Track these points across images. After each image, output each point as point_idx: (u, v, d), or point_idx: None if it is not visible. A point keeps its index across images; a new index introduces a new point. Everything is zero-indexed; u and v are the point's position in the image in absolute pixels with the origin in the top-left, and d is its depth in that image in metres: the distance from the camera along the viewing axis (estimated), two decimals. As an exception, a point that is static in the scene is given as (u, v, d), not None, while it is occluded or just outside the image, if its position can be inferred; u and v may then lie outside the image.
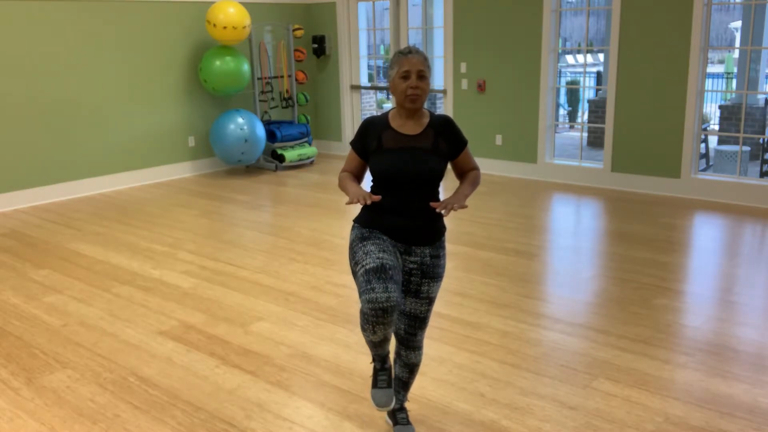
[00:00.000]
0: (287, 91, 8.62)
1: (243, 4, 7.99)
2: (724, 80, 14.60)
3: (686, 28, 6.27)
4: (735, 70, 11.47)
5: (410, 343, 2.61)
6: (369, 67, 12.33)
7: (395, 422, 2.75)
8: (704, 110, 8.14)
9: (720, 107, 9.60)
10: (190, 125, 8.02)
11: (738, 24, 15.91)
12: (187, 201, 6.83)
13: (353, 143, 2.52)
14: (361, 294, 2.25)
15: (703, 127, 9.29)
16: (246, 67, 7.79)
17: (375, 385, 2.48)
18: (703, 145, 8.85)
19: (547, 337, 3.61)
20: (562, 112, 13.47)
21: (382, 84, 10.10)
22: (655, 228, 5.56)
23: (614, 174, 6.99)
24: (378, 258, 2.31)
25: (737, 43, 15.36)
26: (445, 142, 2.47)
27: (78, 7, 6.90)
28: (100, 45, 7.11)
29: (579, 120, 12.60)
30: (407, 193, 2.41)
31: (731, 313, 3.88)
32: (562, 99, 13.79)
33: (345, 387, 3.13)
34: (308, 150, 8.48)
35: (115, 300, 4.26)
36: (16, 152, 6.64)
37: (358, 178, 2.55)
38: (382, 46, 14.30)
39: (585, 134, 10.33)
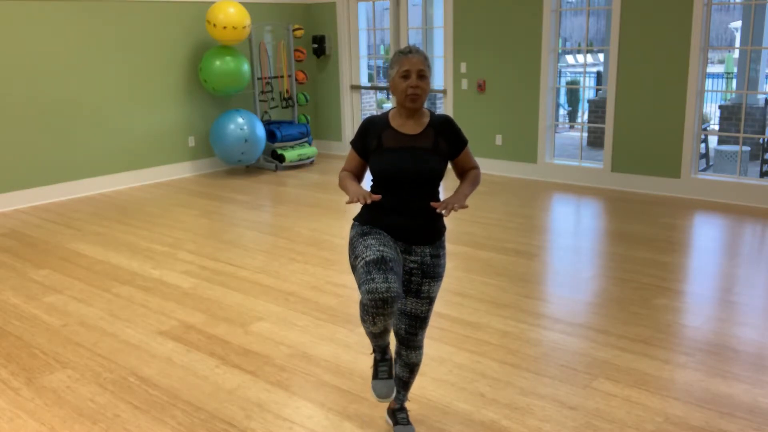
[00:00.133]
0: (287, 91, 8.62)
1: (243, 4, 7.99)
2: (724, 80, 14.60)
3: (686, 28, 6.27)
4: (735, 70, 11.47)
5: (411, 343, 2.61)
6: (369, 67, 12.33)
7: (395, 422, 2.74)
8: (704, 110, 8.14)
9: (720, 107, 9.60)
10: (190, 125, 8.02)
11: (738, 24, 15.91)
12: (187, 201, 6.83)
13: (353, 142, 2.52)
14: (360, 285, 2.24)
15: (703, 127, 9.29)
16: (246, 67, 7.79)
17: (376, 376, 2.46)
18: (703, 145, 8.85)
19: (547, 337, 3.61)
20: (562, 112, 13.47)
21: (382, 84, 10.10)
22: (655, 228, 5.56)
23: (614, 174, 6.99)
24: (378, 251, 2.30)
25: (737, 43, 15.36)
26: (446, 142, 2.47)
27: (78, 7, 6.90)
28: (100, 45, 7.11)
29: (579, 120, 12.61)
30: (407, 192, 2.41)
31: (731, 313, 3.88)
32: (562, 99, 13.79)
33: (345, 387, 3.13)
34: (308, 150, 8.48)
35: (115, 300, 4.26)
36: (16, 152, 6.64)
37: (359, 177, 2.55)
38: (382, 46, 14.30)
39: (585, 134, 10.33)
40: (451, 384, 3.13)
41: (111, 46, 7.20)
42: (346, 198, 2.41)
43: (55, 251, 5.26)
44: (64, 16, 6.82)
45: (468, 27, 7.69)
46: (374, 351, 2.46)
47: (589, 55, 19.45)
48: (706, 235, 5.51)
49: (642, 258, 4.82)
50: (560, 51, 10.53)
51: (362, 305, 2.25)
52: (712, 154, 9.02)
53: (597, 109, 9.89)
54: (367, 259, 2.28)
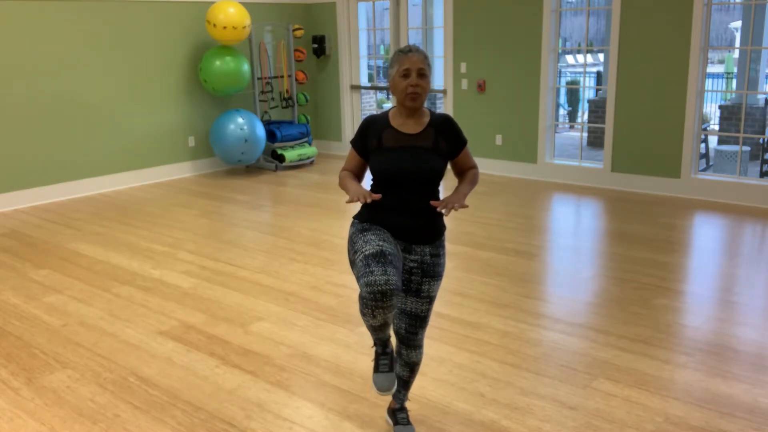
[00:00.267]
0: (287, 91, 8.62)
1: (243, 4, 7.99)
2: (724, 80, 14.60)
3: (686, 28, 6.27)
4: (735, 70, 11.47)
5: (411, 342, 2.61)
6: (369, 67, 12.33)
7: (395, 422, 2.74)
8: (704, 110, 8.14)
9: (720, 107, 9.60)
10: (190, 125, 8.02)
11: (738, 24, 15.91)
12: (187, 201, 6.83)
13: (353, 142, 2.52)
14: (359, 278, 2.23)
15: (703, 127, 9.29)
16: (246, 67, 7.79)
17: (377, 369, 2.45)
18: (703, 145, 8.85)
19: (547, 337, 3.61)
20: (562, 112, 13.47)
21: (382, 84, 10.11)
22: (655, 228, 5.56)
23: (614, 174, 6.99)
24: (378, 245, 2.30)
25: (737, 43, 15.36)
26: (446, 141, 2.47)
27: (78, 7, 6.90)
28: (100, 45, 7.11)
29: (579, 120, 12.61)
30: (408, 192, 2.41)
31: (731, 313, 3.88)
32: (562, 99, 13.79)
33: (345, 387, 3.13)
34: (308, 150, 8.48)
35: (115, 300, 4.26)
36: (16, 152, 6.64)
37: (359, 177, 2.55)
38: (382, 46, 14.30)
39: (585, 134, 10.33)
40: (451, 384, 3.13)
41: (111, 46, 7.20)
42: (347, 197, 2.41)
43: (55, 251, 5.26)
44: (64, 16, 6.82)
45: (468, 27, 7.69)
46: (375, 344, 2.45)
47: (589, 55, 19.45)
48: (706, 235, 5.51)
49: (642, 258, 4.82)
50: (560, 51, 10.53)
51: (361, 298, 2.24)
52: (712, 154, 9.02)
53: (597, 109, 9.89)
54: (366, 252, 2.27)
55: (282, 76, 8.60)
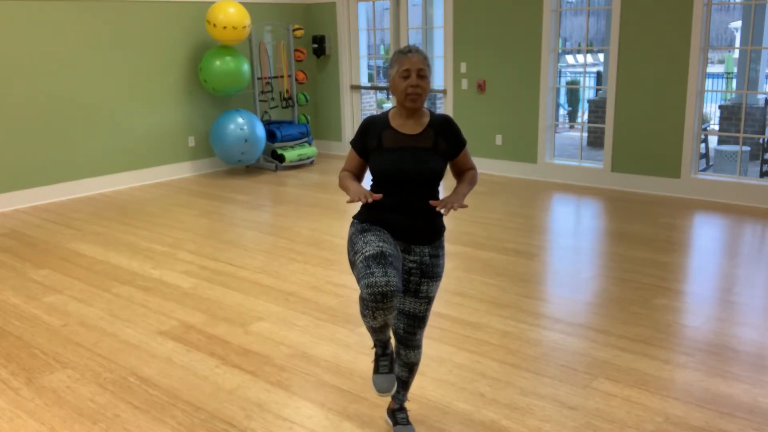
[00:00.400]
0: (287, 91, 8.62)
1: (243, 4, 7.99)
2: (724, 80, 14.60)
3: (686, 28, 6.27)
4: (735, 70, 11.47)
5: (409, 343, 2.61)
6: (369, 67, 12.33)
7: (395, 422, 2.74)
8: (704, 110, 8.14)
9: (720, 107, 9.61)
10: (190, 125, 8.02)
11: (738, 24, 15.91)
12: (187, 201, 6.83)
13: (353, 142, 2.52)
14: (360, 279, 2.23)
15: (703, 127, 9.29)
16: (246, 67, 7.79)
17: (376, 370, 2.46)
18: (703, 145, 8.85)
19: (547, 337, 3.61)
20: (562, 112, 13.48)
21: (382, 84, 10.10)
22: (655, 228, 5.56)
23: (614, 174, 6.99)
24: (378, 246, 2.30)
25: (737, 43, 15.36)
26: (445, 142, 2.47)
27: (78, 7, 6.90)
28: (100, 45, 7.11)
29: (579, 120, 12.61)
30: (407, 192, 2.41)
31: (731, 313, 3.88)
32: (562, 99, 13.79)
33: (345, 387, 3.13)
34: (308, 150, 8.48)
35: (115, 300, 4.26)
36: (16, 152, 6.64)
37: (359, 177, 2.55)
38: (382, 46, 14.30)
39: (585, 134, 10.33)
40: (451, 384, 3.13)
41: (111, 46, 7.20)
42: (347, 197, 2.41)
43: (55, 251, 5.26)
44: (64, 16, 6.82)
45: (468, 27, 7.69)
46: (375, 345, 2.46)
47: (589, 55, 19.45)
48: (706, 235, 5.51)
49: (642, 258, 4.82)
50: (560, 51, 10.53)
51: (362, 300, 2.24)
52: (712, 154, 9.02)
53: (597, 109, 9.89)
54: (367, 254, 2.28)
55: (282, 76, 8.60)
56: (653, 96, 6.58)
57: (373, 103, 10.51)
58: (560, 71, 13.74)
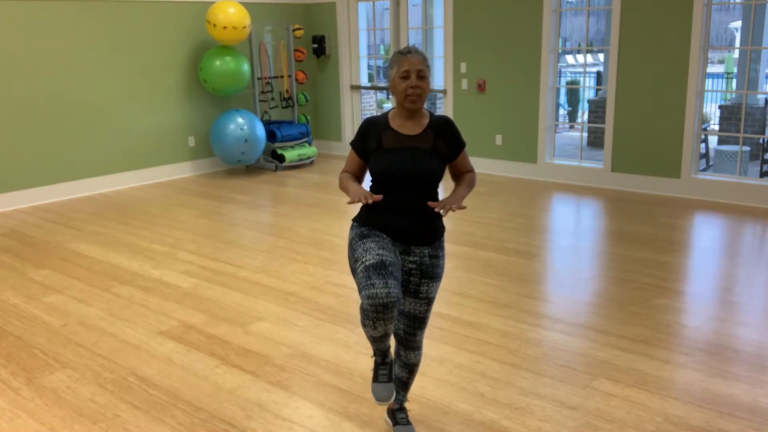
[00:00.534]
0: (287, 91, 8.62)
1: (243, 4, 7.99)
2: (724, 80, 14.60)
3: (686, 28, 6.27)
4: (735, 70, 11.47)
5: (409, 343, 2.61)
6: (369, 67, 12.33)
7: (395, 422, 2.75)
8: (704, 110, 8.14)
9: (720, 107, 9.61)
10: (190, 125, 8.02)
11: (738, 24, 15.91)
12: (187, 201, 6.83)
13: (353, 143, 2.52)
14: (361, 290, 2.26)
15: (703, 127, 9.30)
16: (246, 67, 7.79)
17: (375, 379, 2.48)
18: (703, 145, 8.85)
19: (547, 337, 3.61)
20: (562, 112, 13.48)
21: (382, 84, 10.10)
22: (655, 228, 5.56)
23: (614, 174, 6.99)
24: (378, 254, 2.31)
25: (737, 43, 15.36)
26: (445, 143, 2.47)
27: (78, 7, 6.90)
28: (100, 45, 7.12)
29: (579, 120, 12.61)
30: (407, 193, 2.41)
31: (731, 313, 3.88)
32: (562, 99, 13.79)
33: (345, 387, 3.13)
34: (308, 150, 8.48)
35: (115, 300, 4.26)
36: (16, 152, 6.64)
37: (359, 178, 2.55)
38: (382, 46, 14.30)
39: (585, 134, 10.33)
40: (451, 384, 3.13)
41: (111, 46, 7.20)
42: (347, 198, 2.41)
43: (55, 251, 5.26)
44: (64, 16, 6.82)
45: (468, 27, 7.69)
46: (375, 354, 2.47)
47: (589, 55, 19.45)
48: (706, 235, 5.51)
49: (642, 258, 4.82)
50: (560, 51, 10.53)
51: (363, 310, 2.26)
52: (712, 154, 9.02)
53: (597, 109, 9.89)
54: (367, 263, 2.29)
55: (282, 76, 8.60)
56: (653, 96, 6.58)
57: (373, 103, 10.51)
58: (560, 71, 13.74)
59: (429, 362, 3.31)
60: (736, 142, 8.90)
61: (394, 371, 2.70)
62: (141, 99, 7.53)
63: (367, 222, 2.47)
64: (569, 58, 21.79)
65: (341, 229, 5.62)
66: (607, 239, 5.38)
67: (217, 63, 7.58)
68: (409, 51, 2.39)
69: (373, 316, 2.23)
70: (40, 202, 6.85)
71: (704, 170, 8.57)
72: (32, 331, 3.82)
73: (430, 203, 2.34)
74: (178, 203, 6.73)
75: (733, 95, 10.30)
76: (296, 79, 8.68)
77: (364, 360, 3.36)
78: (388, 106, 11.98)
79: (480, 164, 7.78)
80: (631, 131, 6.79)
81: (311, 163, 8.64)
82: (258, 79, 8.38)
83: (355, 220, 2.53)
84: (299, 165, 8.48)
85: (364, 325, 2.31)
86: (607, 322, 3.78)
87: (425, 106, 2.54)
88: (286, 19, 8.78)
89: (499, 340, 3.57)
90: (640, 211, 6.07)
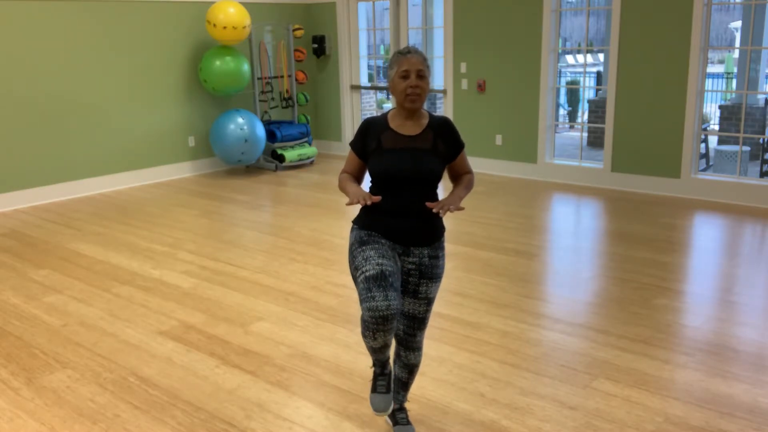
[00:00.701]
0: (287, 91, 8.62)
1: (243, 4, 7.99)
2: (724, 80, 14.60)
3: (686, 28, 6.27)
4: (735, 70, 11.47)
5: (410, 344, 2.61)
6: (369, 67, 12.33)
7: (395, 422, 2.75)
8: (704, 110, 8.14)
9: (720, 107, 9.61)
10: (190, 125, 8.02)
11: (738, 24, 15.91)
12: (187, 201, 6.83)
13: (353, 144, 2.52)
14: (361, 302, 2.28)
15: (703, 127, 9.29)
16: (246, 67, 7.79)
17: (374, 389, 2.51)
18: (703, 145, 8.85)
19: (547, 337, 3.61)
20: (562, 112, 13.48)
21: (382, 84, 10.10)
22: (655, 228, 5.56)
23: (614, 174, 6.99)
24: (378, 264, 2.32)
25: (737, 43, 15.36)
26: (444, 144, 2.47)
27: (78, 7, 6.90)
28: (100, 45, 7.12)
29: (579, 120, 12.61)
30: (406, 193, 2.41)
31: (731, 313, 3.88)
32: (562, 99, 13.79)
33: (345, 387, 3.13)
34: (308, 150, 8.48)
35: (115, 300, 4.26)
36: (16, 152, 6.64)
37: (358, 179, 2.55)
38: (382, 46, 14.30)
39: (585, 134, 10.33)
40: (451, 384, 3.13)
41: (111, 46, 7.20)
42: (347, 199, 2.42)
43: (55, 251, 5.26)
44: (64, 16, 6.82)
45: (468, 27, 7.69)
46: (374, 365, 2.50)
47: (589, 55, 19.45)
48: (706, 235, 5.51)
49: (642, 258, 4.82)
50: (560, 51, 10.53)
51: (363, 321, 2.29)
52: (712, 154, 9.02)
53: (597, 109, 9.89)
54: (367, 274, 2.31)
55: (282, 76, 8.60)
56: (653, 96, 6.58)
57: (373, 103, 10.51)
58: (560, 71, 13.74)
59: (429, 362, 3.31)
60: (736, 142, 8.90)
61: (395, 371, 2.70)
62: (141, 99, 7.53)
63: (366, 223, 2.46)
64: (569, 58, 21.79)
65: (341, 229, 5.62)
66: (607, 239, 5.38)
67: (217, 63, 7.58)
68: (408, 51, 2.40)
69: (374, 327, 2.26)
70: (40, 202, 6.85)
71: (704, 170, 8.57)
72: (32, 331, 3.82)
73: (427, 204, 2.34)
74: (178, 203, 6.73)
75: (733, 95, 10.29)
76: (296, 79, 8.68)
77: (364, 360, 3.36)
78: (388, 106, 11.99)
79: (480, 164, 7.78)
80: (631, 131, 6.79)
81: (311, 163, 8.64)
82: (258, 79, 8.38)
83: (354, 221, 2.53)
84: (299, 165, 8.48)
85: (364, 336, 2.33)
86: (607, 322, 3.78)
87: (425, 106, 2.54)
88: (286, 19, 8.78)
89: (499, 340, 3.57)
90: (640, 211, 6.07)
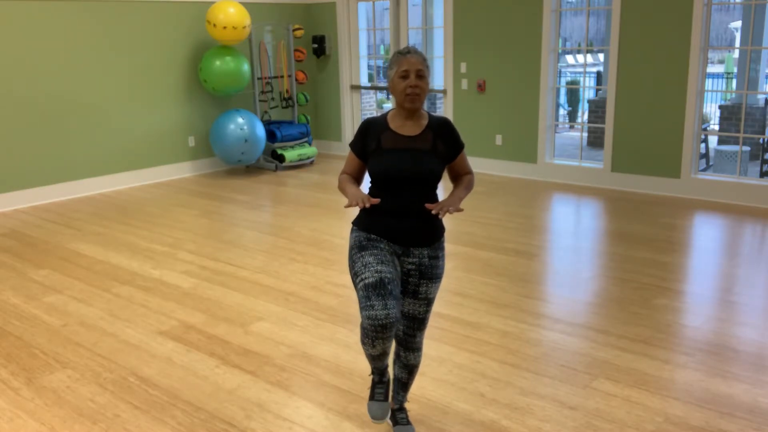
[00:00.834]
0: (287, 91, 8.62)
1: (243, 4, 7.99)
2: (724, 80, 14.60)
3: (686, 28, 6.27)
4: (735, 70, 11.47)
5: (409, 345, 2.61)
6: (369, 67, 12.33)
7: (395, 422, 2.75)
8: (704, 110, 8.14)
9: (720, 107, 9.61)
10: (190, 125, 8.02)
11: (738, 24, 15.91)
12: (187, 201, 6.83)
13: (353, 145, 2.53)
14: (361, 309, 2.30)
15: (703, 127, 9.29)
16: (246, 67, 7.79)
17: (372, 397, 2.53)
18: (703, 145, 8.85)
19: (547, 337, 3.61)
20: (562, 112, 13.48)
21: (382, 84, 10.10)
22: (655, 228, 5.56)
23: (614, 174, 6.99)
24: (377, 272, 2.33)
25: (737, 43, 15.36)
26: (443, 144, 2.47)
27: (78, 7, 6.90)
28: (100, 45, 7.12)
29: (579, 120, 12.61)
30: (406, 194, 2.41)
31: (731, 313, 3.88)
32: (562, 99, 13.79)
33: (345, 387, 3.13)
34: (308, 150, 8.48)
35: (115, 300, 4.26)
36: (16, 152, 6.64)
37: (358, 180, 2.55)
38: (382, 46, 14.31)
39: (585, 134, 10.33)
40: (451, 384, 3.13)
41: (111, 46, 7.20)
42: (346, 201, 2.43)
43: (55, 251, 5.26)
44: (64, 16, 6.82)
45: (468, 27, 7.69)
46: (372, 372, 2.51)
47: (589, 55, 19.45)
48: (706, 235, 5.51)
49: (642, 258, 4.82)
50: (560, 51, 10.53)
51: (362, 329, 2.32)
52: (712, 154, 9.02)
53: (597, 109, 9.89)
54: (367, 281, 2.32)
55: (282, 76, 8.60)
56: (653, 96, 6.58)
57: (373, 103, 10.51)
58: (560, 71, 13.74)
59: (429, 362, 3.31)
60: (736, 142, 8.90)
61: (394, 372, 2.70)
62: (141, 99, 7.53)
63: (366, 224, 2.46)
64: (569, 58, 21.79)
65: (341, 229, 5.62)
66: (607, 239, 5.38)
67: (217, 63, 7.58)
68: (408, 51, 2.40)
69: (373, 335, 2.29)
70: (40, 202, 6.85)
71: (704, 170, 8.57)
72: (32, 331, 3.82)
73: (427, 205, 2.34)
74: (178, 203, 6.73)
75: (733, 95, 10.29)
76: (296, 79, 8.68)
77: (364, 360, 3.36)
78: (388, 106, 11.99)
79: (480, 164, 7.79)
80: (631, 131, 6.79)
81: (311, 163, 8.64)
82: (258, 79, 8.38)
83: (354, 223, 2.53)
84: (299, 165, 8.48)
85: (363, 343, 2.36)
86: (607, 322, 3.78)
87: (424, 106, 2.54)
88: (286, 19, 8.78)
89: (499, 340, 3.57)
90: (640, 211, 6.07)
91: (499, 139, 7.72)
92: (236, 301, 4.19)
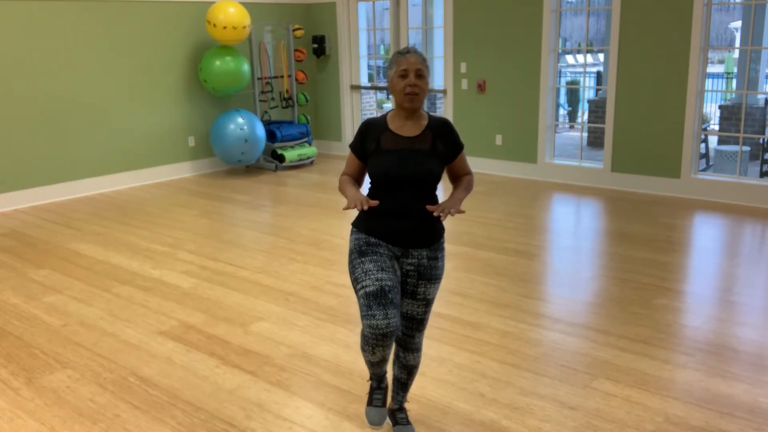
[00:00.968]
0: (287, 91, 8.62)
1: (243, 4, 7.99)
2: (724, 80, 14.60)
3: (686, 28, 6.28)
4: (735, 70, 11.47)
5: (408, 345, 2.61)
6: (369, 67, 12.33)
7: (395, 422, 2.74)
8: (704, 110, 8.14)
9: (720, 107, 9.61)
10: (190, 125, 8.02)
11: (738, 24, 15.91)
12: (187, 201, 6.83)
13: (352, 146, 2.53)
14: (362, 317, 2.33)
15: (703, 127, 9.29)
16: (246, 67, 7.79)
17: (370, 403, 2.54)
18: (703, 145, 8.85)
19: (547, 337, 3.61)
20: (562, 112, 13.47)
21: (382, 84, 10.10)
22: (655, 228, 5.56)
23: (614, 174, 6.99)
24: (377, 280, 2.34)
25: (737, 43, 15.36)
26: (443, 145, 2.47)
27: (78, 7, 6.90)
28: (100, 45, 7.11)
29: (579, 120, 12.61)
30: (406, 194, 2.41)
31: (731, 313, 3.88)
32: (562, 99, 13.79)
33: (345, 387, 3.13)
34: (308, 150, 8.48)
35: (115, 300, 4.26)
36: (16, 152, 6.64)
37: (358, 181, 2.55)
38: (382, 46, 14.31)
39: (585, 134, 10.33)
40: (451, 384, 3.13)
41: (111, 46, 7.20)
42: (345, 203, 2.44)
43: (55, 251, 5.26)
44: (65, 16, 6.82)
45: (468, 27, 7.69)
46: (371, 378, 2.52)
47: (589, 55, 19.45)
48: (706, 235, 5.51)
49: (642, 258, 4.82)
50: (560, 51, 10.53)
51: (363, 336, 2.34)
52: (712, 154, 9.02)
53: (597, 109, 9.89)
54: (368, 290, 2.33)
55: (282, 76, 8.60)
56: (653, 96, 6.58)
57: (373, 103, 10.51)
58: (560, 71, 13.74)
59: (429, 362, 3.31)
60: (736, 142, 8.90)
61: (394, 372, 2.70)
62: (141, 99, 7.53)
63: (366, 226, 2.46)
64: (569, 58, 21.79)
65: (341, 229, 5.62)
66: (607, 239, 5.38)
67: (217, 63, 7.58)
68: (408, 51, 2.40)
69: (373, 342, 2.32)
70: (40, 202, 6.85)
71: (704, 170, 8.57)
72: (32, 331, 3.82)
73: (428, 207, 2.34)
74: (178, 203, 6.73)
75: (733, 95, 10.29)
76: (296, 79, 8.68)
77: (364, 361, 3.36)
78: (388, 106, 11.99)
79: (480, 164, 7.79)
80: (631, 131, 6.79)
81: (311, 163, 8.64)
82: (258, 79, 8.38)
83: (354, 224, 2.52)
84: (299, 165, 8.48)
85: (363, 350, 2.39)
86: (607, 322, 3.78)
87: (424, 106, 2.54)
88: (286, 19, 8.78)
89: (499, 340, 3.57)
90: (640, 211, 6.07)
91: (499, 139, 7.72)
92: (236, 301, 4.19)
